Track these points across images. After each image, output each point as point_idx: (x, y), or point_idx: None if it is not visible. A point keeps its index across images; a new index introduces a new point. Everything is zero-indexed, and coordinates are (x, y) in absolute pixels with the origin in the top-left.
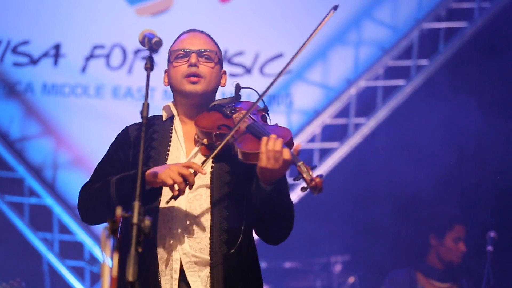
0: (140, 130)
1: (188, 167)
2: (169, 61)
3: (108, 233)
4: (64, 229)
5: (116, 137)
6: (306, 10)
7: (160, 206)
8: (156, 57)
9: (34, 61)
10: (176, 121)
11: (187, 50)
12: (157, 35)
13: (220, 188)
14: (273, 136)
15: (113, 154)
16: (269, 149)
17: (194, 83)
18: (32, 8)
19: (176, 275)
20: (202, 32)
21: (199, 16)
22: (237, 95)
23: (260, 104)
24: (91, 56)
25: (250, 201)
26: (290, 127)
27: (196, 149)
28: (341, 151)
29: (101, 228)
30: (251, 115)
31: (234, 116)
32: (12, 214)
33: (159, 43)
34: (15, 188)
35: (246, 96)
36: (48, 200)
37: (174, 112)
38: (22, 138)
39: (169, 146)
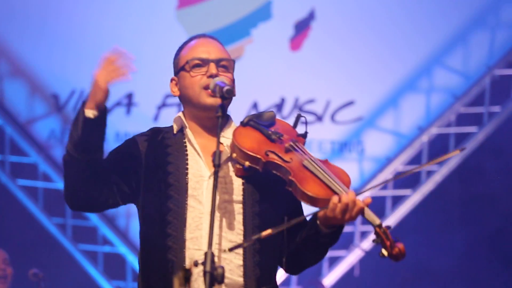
0: (150, 141)
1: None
2: (182, 69)
3: (180, 282)
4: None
5: (121, 145)
6: (376, 58)
7: (186, 226)
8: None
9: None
10: (189, 133)
11: (205, 59)
12: (229, 84)
13: (252, 206)
14: (349, 191)
15: (122, 154)
16: (344, 202)
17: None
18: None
19: None
20: (214, 38)
21: (270, 64)
22: (294, 125)
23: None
24: (163, 105)
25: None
26: (362, 174)
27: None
28: (414, 198)
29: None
30: (295, 144)
31: (286, 146)
32: (86, 263)
33: (230, 92)
34: (89, 237)
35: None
36: (122, 249)
37: (185, 124)
38: None
39: (187, 159)
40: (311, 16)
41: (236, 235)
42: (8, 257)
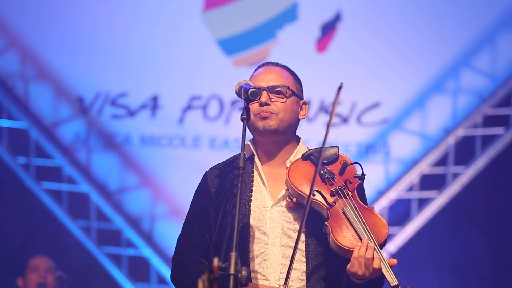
0: (221, 176)
1: None
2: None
3: (205, 284)
4: (162, 281)
5: (197, 187)
6: (402, 59)
7: (251, 258)
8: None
9: (132, 113)
10: (257, 161)
11: (259, 87)
12: (253, 86)
13: (314, 234)
14: (366, 242)
15: (197, 211)
16: (361, 255)
17: (265, 118)
18: (129, 61)
19: None
20: (277, 64)
21: (295, 66)
22: (342, 169)
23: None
24: (188, 107)
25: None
26: (388, 176)
27: (282, 193)
28: (440, 200)
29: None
30: (344, 188)
31: (332, 189)
32: (110, 265)
33: (256, 94)
34: (114, 240)
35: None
36: (146, 251)
37: (253, 150)
38: (120, 190)
39: (252, 190)
40: (337, 18)
41: (300, 263)
42: (54, 265)
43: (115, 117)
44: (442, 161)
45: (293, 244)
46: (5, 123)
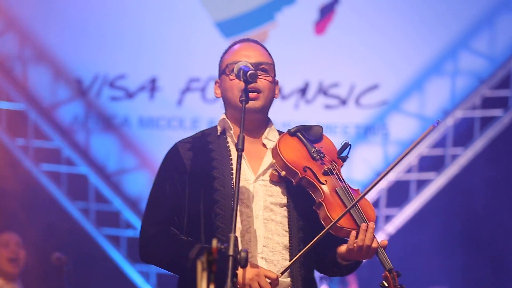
0: (193, 150)
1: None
2: (223, 73)
3: (204, 265)
4: None
5: (166, 159)
6: (401, 41)
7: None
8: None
9: (130, 95)
10: (232, 136)
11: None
12: (252, 68)
13: (295, 208)
14: (368, 226)
15: (170, 182)
16: (361, 238)
17: (252, 99)
18: (128, 43)
19: None
20: (256, 42)
21: (294, 48)
22: (339, 152)
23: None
24: (187, 89)
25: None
26: (386, 158)
27: (263, 167)
28: (438, 182)
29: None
30: (334, 167)
31: (325, 168)
32: (109, 247)
33: (254, 76)
34: (112, 221)
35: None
36: None
37: (230, 126)
38: (119, 171)
39: (231, 164)
40: (335, 0)
41: (282, 237)
42: (21, 241)
43: (113, 99)
44: (440, 143)
45: (275, 218)
46: (4, 105)
